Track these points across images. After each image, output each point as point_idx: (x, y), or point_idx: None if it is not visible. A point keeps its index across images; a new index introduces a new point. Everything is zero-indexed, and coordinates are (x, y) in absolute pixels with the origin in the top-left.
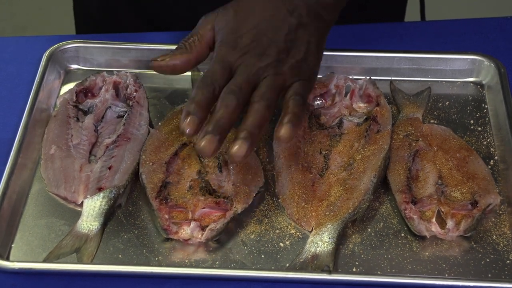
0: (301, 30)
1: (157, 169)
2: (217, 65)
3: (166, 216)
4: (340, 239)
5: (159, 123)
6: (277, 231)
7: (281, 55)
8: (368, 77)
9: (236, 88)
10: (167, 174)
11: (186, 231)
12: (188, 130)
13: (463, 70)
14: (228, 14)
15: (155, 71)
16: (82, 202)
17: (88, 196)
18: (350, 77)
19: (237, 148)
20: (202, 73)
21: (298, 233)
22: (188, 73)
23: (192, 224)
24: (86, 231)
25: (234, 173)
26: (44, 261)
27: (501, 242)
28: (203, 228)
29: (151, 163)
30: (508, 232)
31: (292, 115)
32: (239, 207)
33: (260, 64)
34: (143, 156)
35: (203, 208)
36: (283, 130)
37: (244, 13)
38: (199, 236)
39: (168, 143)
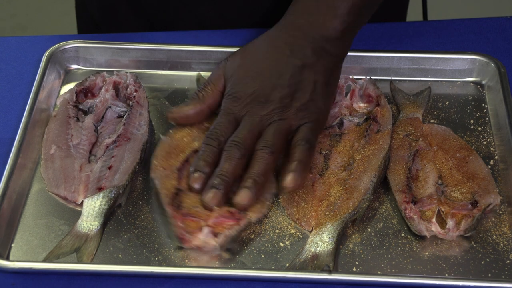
0: (307, 71)
1: (170, 175)
2: (223, 118)
3: (181, 224)
4: (340, 239)
5: (170, 130)
6: (277, 231)
7: (285, 100)
8: (368, 77)
9: (239, 140)
10: (179, 181)
11: (199, 238)
12: (196, 186)
13: (463, 70)
14: (235, 62)
15: (171, 122)
16: (82, 202)
17: (88, 196)
18: (350, 77)
19: (242, 197)
20: (203, 73)
21: (298, 233)
22: (189, 73)
23: (205, 229)
24: (86, 231)
25: None
26: (44, 260)
27: (501, 242)
28: (216, 235)
29: (162, 169)
30: (508, 232)
31: (297, 163)
32: (253, 216)
33: (263, 111)
34: (155, 162)
35: (216, 218)
36: (288, 179)
37: (250, 60)
38: (213, 242)
39: (179, 149)
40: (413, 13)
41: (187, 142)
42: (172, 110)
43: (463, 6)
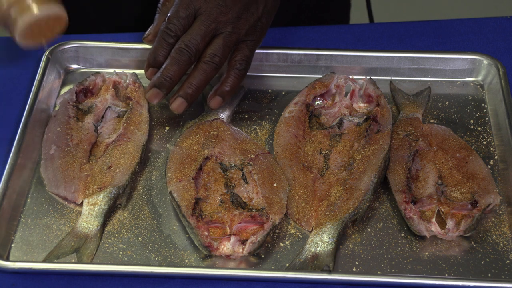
0: None
1: (187, 186)
2: (182, 12)
3: (206, 233)
4: (340, 239)
5: (177, 139)
6: (277, 231)
7: (241, 10)
8: (368, 77)
9: (192, 46)
10: (197, 190)
11: (227, 246)
12: (148, 77)
13: (463, 70)
14: None
15: (149, 44)
16: (82, 202)
17: (88, 196)
18: (350, 77)
19: (177, 105)
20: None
21: (298, 233)
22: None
23: (232, 238)
24: (86, 231)
25: (260, 184)
26: (44, 261)
27: (501, 242)
28: (243, 242)
29: (178, 180)
30: (508, 232)
31: (229, 90)
32: (276, 218)
33: (221, 18)
34: (169, 174)
35: (239, 223)
36: (216, 101)
37: None
38: (240, 250)
39: (190, 158)
40: (413, 13)
41: (197, 150)
42: (145, 35)
43: (462, 6)
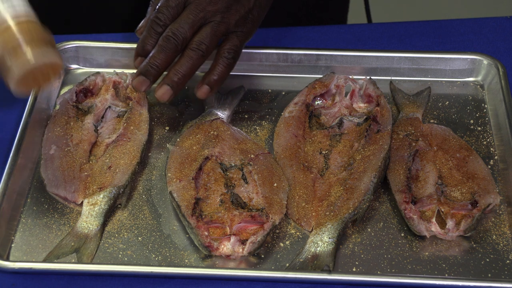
0: None
1: (187, 186)
2: (171, 1)
3: (206, 233)
4: (340, 239)
5: (177, 139)
6: (277, 231)
7: (231, 0)
8: (368, 77)
9: (179, 34)
10: (197, 190)
11: (227, 246)
12: (136, 66)
13: (463, 70)
14: None
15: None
16: (82, 202)
17: (88, 196)
18: (350, 77)
19: (162, 92)
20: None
21: (298, 233)
22: None
23: (232, 238)
24: (86, 231)
25: (260, 184)
26: (44, 261)
27: (501, 242)
28: (243, 242)
29: (178, 180)
30: (508, 232)
31: (217, 79)
32: (276, 218)
33: (210, 7)
34: (169, 174)
35: (239, 223)
36: (203, 91)
37: None
38: (240, 250)
39: (190, 158)
40: (413, 13)
41: (197, 150)
42: (137, 28)
43: (462, 6)
